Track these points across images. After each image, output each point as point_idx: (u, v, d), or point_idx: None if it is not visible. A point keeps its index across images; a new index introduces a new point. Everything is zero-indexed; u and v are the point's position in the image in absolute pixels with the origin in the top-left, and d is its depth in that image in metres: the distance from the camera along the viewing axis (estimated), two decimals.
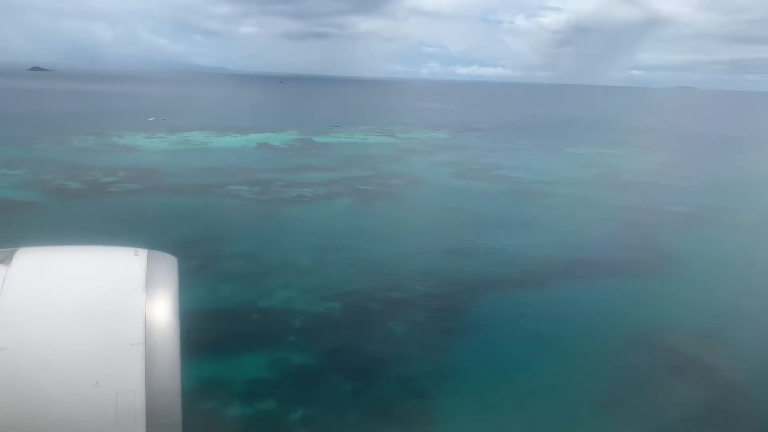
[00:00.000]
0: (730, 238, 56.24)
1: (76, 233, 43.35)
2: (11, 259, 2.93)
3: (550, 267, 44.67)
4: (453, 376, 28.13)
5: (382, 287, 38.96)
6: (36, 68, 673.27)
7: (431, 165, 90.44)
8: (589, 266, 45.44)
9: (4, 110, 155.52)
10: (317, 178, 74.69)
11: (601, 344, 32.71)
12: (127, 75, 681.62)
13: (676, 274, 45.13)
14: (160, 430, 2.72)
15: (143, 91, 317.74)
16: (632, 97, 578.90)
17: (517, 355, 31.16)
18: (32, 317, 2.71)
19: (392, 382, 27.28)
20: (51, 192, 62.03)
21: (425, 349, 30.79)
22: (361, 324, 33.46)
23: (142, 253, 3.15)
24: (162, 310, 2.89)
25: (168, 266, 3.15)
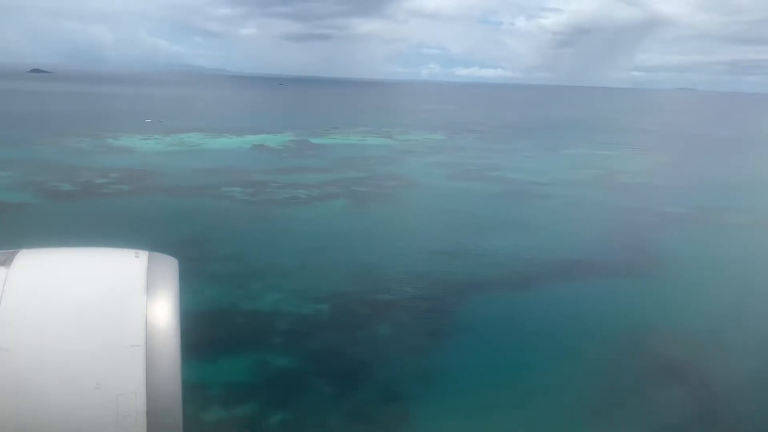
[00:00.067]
0: (724, 239, 55.93)
1: (65, 234, 43.10)
2: (12, 260, 2.92)
3: (542, 268, 44.39)
4: (436, 379, 27.85)
5: (371, 289, 38.68)
6: (36, 70, 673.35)
7: (427, 166, 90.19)
8: (582, 268, 45.15)
9: (1, 111, 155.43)
10: (311, 179, 74.45)
11: (592, 346, 32.42)
12: (128, 76, 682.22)
13: (669, 275, 44.84)
14: None
15: (142, 92, 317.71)
16: (632, 99, 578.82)
17: (505, 357, 30.87)
18: (33, 319, 2.72)
19: (374, 386, 27.00)
20: (41, 193, 61.82)
21: (410, 351, 30.51)
22: (348, 326, 33.18)
23: (143, 255, 3.14)
24: (163, 312, 2.89)
25: (169, 268, 3.15)
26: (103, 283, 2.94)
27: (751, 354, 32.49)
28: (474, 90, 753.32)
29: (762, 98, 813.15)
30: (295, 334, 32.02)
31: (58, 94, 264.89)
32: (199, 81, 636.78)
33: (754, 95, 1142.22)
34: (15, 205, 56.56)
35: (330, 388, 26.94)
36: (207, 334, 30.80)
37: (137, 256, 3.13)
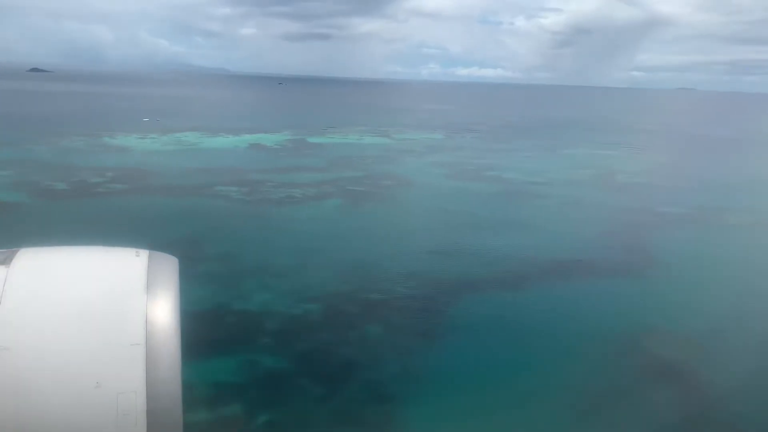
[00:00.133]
0: (723, 239, 55.58)
1: (58, 233, 42.75)
2: (12, 259, 2.93)
3: (538, 268, 44.03)
4: (425, 379, 27.50)
5: (363, 289, 38.33)
6: (35, 69, 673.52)
7: (424, 166, 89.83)
8: (579, 268, 44.79)
9: None
10: (307, 178, 74.09)
11: (587, 347, 32.07)
12: (127, 76, 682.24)
13: (667, 275, 44.50)
14: (161, 431, 2.73)
15: (141, 92, 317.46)
16: (631, 99, 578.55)
17: (497, 358, 30.53)
18: (33, 318, 2.72)
19: (362, 386, 26.67)
20: (35, 193, 61.49)
21: (400, 352, 30.17)
22: (338, 326, 32.83)
23: (143, 254, 3.14)
24: (163, 311, 2.89)
25: (169, 267, 3.14)
26: (103, 282, 2.93)
27: (749, 355, 32.12)
28: (474, 90, 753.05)
29: (762, 98, 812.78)
30: (284, 334, 31.68)
31: (56, 94, 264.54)
32: (198, 80, 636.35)
33: (754, 95, 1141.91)
34: (9, 205, 56.19)
35: (318, 388, 26.59)
36: (196, 333, 30.46)
37: (137, 255, 3.12)
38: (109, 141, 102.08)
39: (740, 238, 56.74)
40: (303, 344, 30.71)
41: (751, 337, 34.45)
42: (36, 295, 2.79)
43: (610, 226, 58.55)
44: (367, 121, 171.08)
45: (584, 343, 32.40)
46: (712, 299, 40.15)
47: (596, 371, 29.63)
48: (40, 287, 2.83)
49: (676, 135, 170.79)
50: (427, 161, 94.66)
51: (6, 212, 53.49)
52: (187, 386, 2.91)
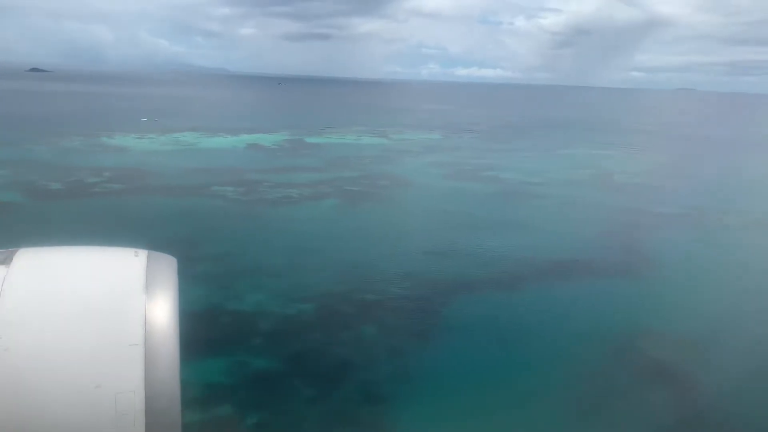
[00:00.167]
0: (718, 240, 55.55)
1: (53, 233, 42.70)
2: (11, 259, 2.93)
3: (533, 268, 43.99)
4: (418, 380, 27.45)
5: (358, 289, 38.27)
6: (35, 69, 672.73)
7: (421, 166, 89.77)
8: (575, 268, 44.74)
9: None
10: (304, 178, 74.03)
11: (582, 348, 32.02)
12: (127, 76, 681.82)
13: (662, 276, 44.45)
14: (159, 431, 2.74)
15: (140, 92, 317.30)
16: (631, 99, 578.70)
17: (488, 359, 30.49)
18: (32, 318, 2.73)
19: (354, 387, 26.63)
20: (31, 192, 61.41)
21: (393, 352, 30.13)
22: (332, 327, 32.77)
23: (142, 254, 3.14)
24: (161, 311, 2.89)
25: (168, 267, 3.14)
26: (102, 282, 2.93)
27: (745, 355, 32.04)
28: (473, 90, 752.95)
29: (761, 98, 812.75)
30: (277, 334, 31.64)
31: (55, 94, 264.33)
32: (198, 80, 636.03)
33: (753, 95, 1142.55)
34: (4, 204, 56.10)
35: (310, 389, 26.55)
36: (190, 334, 30.41)
37: (136, 255, 3.11)
38: (107, 141, 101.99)
39: (736, 238, 56.68)
40: (296, 344, 30.66)
41: (746, 338, 34.41)
42: (35, 294, 2.79)
43: (606, 226, 58.52)
44: (366, 121, 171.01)
45: (580, 344, 32.36)
46: (708, 300, 40.14)
47: (591, 372, 29.56)
48: (40, 287, 2.84)
49: (674, 135, 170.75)
50: (424, 161, 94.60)
51: (1, 212, 53.41)
52: (185, 386, 2.92)
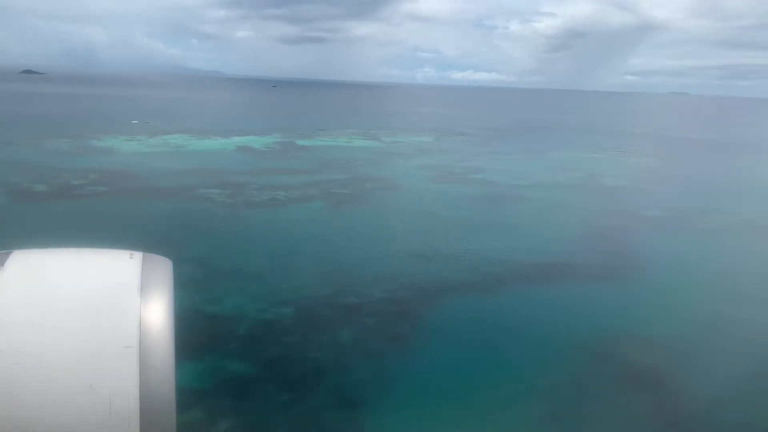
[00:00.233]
0: (703, 243, 55.54)
1: (33, 235, 42.26)
2: (6, 261, 2.94)
3: (518, 272, 43.84)
4: (394, 384, 27.20)
5: (338, 292, 38.00)
6: (28, 71, 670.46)
7: (410, 168, 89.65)
8: (558, 271, 44.59)
9: None
10: (292, 181, 73.74)
11: (562, 353, 31.76)
12: (121, 78, 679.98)
13: (647, 279, 44.28)
14: None
15: (133, 94, 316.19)
16: (624, 102, 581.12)
17: (468, 363, 30.24)
18: (27, 319, 2.73)
19: (328, 392, 26.31)
20: (13, 194, 60.88)
21: (371, 356, 29.85)
22: (310, 331, 32.48)
23: (137, 256, 3.15)
24: (156, 313, 2.91)
25: (163, 269, 3.15)
26: (97, 284, 2.94)
27: (728, 360, 31.82)
28: (468, 93, 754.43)
29: (754, 102, 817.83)
30: (254, 338, 31.32)
31: (46, 96, 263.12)
32: (192, 83, 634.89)
33: (746, 99, 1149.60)
34: None
35: (283, 394, 26.24)
36: (178, 337, 30.04)
37: (131, 257, 3.11)
38: (96, 143, 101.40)
39: (723, 241, 56.67)
40: (272, 349, 30.34)
41: (731, 343, 34.25)
42: (29, 296, 2.78)
43: (593, 229, 58.45)
44: (358, 124, 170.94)
45: (562, 349, 32.13)
46: (693, 304, 39.93)
47: (573, 377, 29.31)
48: (34, 289, 2.82)
49: (665, 139, 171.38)
50: (413, 164, 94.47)
51: None
52: (180, 388, 2.82)
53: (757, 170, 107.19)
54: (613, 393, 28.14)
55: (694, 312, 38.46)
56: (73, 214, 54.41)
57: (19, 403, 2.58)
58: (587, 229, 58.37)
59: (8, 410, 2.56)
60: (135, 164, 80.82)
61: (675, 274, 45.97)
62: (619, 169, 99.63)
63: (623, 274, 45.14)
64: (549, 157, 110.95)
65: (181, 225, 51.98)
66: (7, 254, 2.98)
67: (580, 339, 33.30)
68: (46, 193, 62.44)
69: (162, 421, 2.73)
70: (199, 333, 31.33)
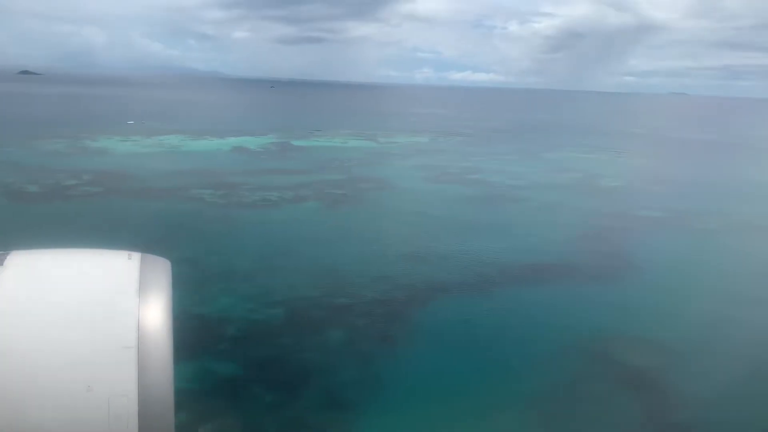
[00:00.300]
0: (699, 243, 55.30)
1: (24, 235, 41.92)
2: (4, 261, 2.94)
3: (512, 273, 43.57)
4: (382, 386, 26.92)
5: (329, 293, 37.72)
6: (25, 72, 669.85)
7: (405, 169, 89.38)
8: (551, 272, 44.30)
9: None
10: (285, 181, 73.44)
11: (555, 354, 31.47)
12: (119, 79, 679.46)
13: (641, 280, 44.05)
14: None
15: (131, 95, 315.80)
16: (623, 103, 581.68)
17: (459, 365, 29.96)
18: (25, 320, 2.73)
19: (316, 393, 26.06)
20: (7, 195, 60.50)
21: (360, 357, 29.58)
22: (300, 332, 32.20)
23: (136, 257, 3.15)
24: (155, 314, 2.90)
25: (161, 270, 3.14)
26: (95, 285, 2.94)
27: (724, 361, 31.48)
28: (466, 94, 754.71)
29: (752, 103, 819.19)
30: (243, 339, 31.08)
31: (43, 96, 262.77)
32: (191, 84, 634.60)
33: (744, 99, 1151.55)
34: None
35: (271, 395, 25.98)
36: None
37: (130, 258, 3.11)
38: (90, 143, 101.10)
39: (719, 241, 56.44)
40: (261, 350, 30.09)
41: (727, 343, 33.98)
42: (28, 297, 2.78)
43: (588, 229, 58.15)
44: (355, 124, 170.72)
45: (556, 350, 31.87)
46: (690, 304, 39.66)
47: (568, 378, 29.03)
48: (33, 290, 2.81)
49: (663, 139, 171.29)
50: (408, 164, 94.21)
51: None
52: (179, 389, 2.76)
53: (756, 171, 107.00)
54: (608, 394, 27.88)
55: (690, 312, 38.21)
56: (64, 215, 54.10)
57: (17, 404, 2.57)
58: (583, 229, 58.06)
59: (6, 411, 2.55)
60: (128, 165, 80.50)
61: (671, 275, 45.73)
62: (616, 169, 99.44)
63: (619, 274, 44.90)
64: (546, 158, 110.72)
65: (172, 225, 51.68)
66: (5, 255, 2.96)
67: (575, 340, 33.05)
68: (38, 193, 62.13)
69: (160, 422, 2.71)
70: (186, 334, 30.92)
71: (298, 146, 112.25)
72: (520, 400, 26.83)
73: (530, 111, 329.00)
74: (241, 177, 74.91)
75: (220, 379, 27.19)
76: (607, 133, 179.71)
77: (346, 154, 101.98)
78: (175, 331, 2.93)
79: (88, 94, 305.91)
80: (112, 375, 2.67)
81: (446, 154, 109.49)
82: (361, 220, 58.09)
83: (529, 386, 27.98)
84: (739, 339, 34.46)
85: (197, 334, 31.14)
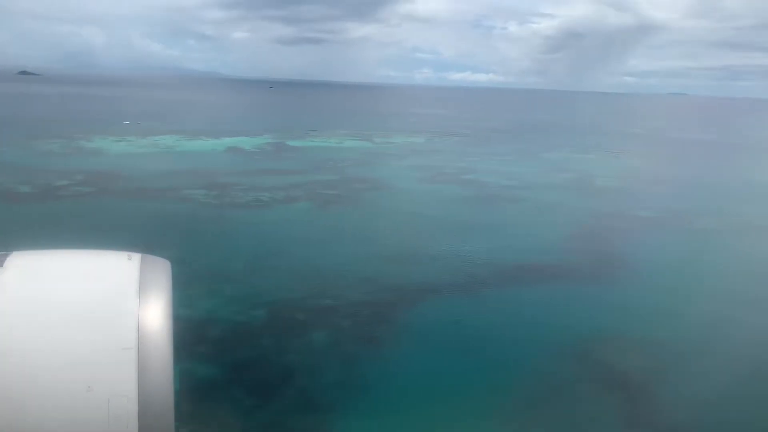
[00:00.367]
0: (697, 243, 54.84)
1: (15, 236, 41.52)
2: (4, 262, 2.94)
3: (504, 274, 43.11)
4: (364, 388, 26.48)
5: (315, 294, 37.24)
6: (24, 72, 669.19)
7: (400, 169, 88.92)
8: (546, 273, 43.80)
9: None
10: (279, 181, 72.98)
11: (546, 356, 30.98)
12: (118, 79, 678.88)
13: (636, 280, 43.61)
14: None
15: (128, 95, 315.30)
16: (622, 103, 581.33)
17: (446, 367, 29.49)
18: (25, 321, 2.73)
19: (296, 396, 25.60)
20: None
21: (343, 359, 29.14)
22: (282, 334, 31.75)
23: (136, 257, 3.14)
24: (155, 315, 2.91)
25: (161, 270, 3.15)
26: (95, 286, 2.94)
27: (717, 363, 31.03)
28: (466, 94, 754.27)
29: (752, 103, 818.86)
30: (223, 342, 30.61)
31: (40, 96, 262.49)
32: (189, 84, 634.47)
33: (745, 100, 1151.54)
34: None
35: (250, 399, 25.53)
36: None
37: (130, 259, 3.10)
38: (85, 144, 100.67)
39: (718, 242, 55.92)
40: (242, 352, 29.66)
41: (725, 343, 33.56)
42: (28, 298, 2.78)
43: (581, 229, 57.72)
44: (352, 124, 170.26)
45: (547, 352, 31.39)
46: (686, 304, 39.22)
47: (559, 379, 28.59)
48: (33, 290, 2.82)
49: (661, 139, 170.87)
50: (403, 164, 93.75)
51: None
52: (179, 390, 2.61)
53: (756, 171, 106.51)
54: (602, 395, 27.45)
55: (688, 312, 37.77)
56: (55, 215, 53.73)
57: (18, 404, 2.55)
58: (578, 229, 57.61)
59: (6, 412, 2.54)
60: (121, 165, 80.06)
61: (669, 275, 45.28)
62: (615, 169, 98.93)
63: (614, 274, 44.47)
64: (545, 158, 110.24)
65: (162, 226, 51.22)
66: (6, 255, 2.94)
67: (570, 341, 32.62)
68: (29, 194, 61.70)
69: (160, 423, 2.70)
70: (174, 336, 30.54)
71: (293, 146, 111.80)
72: (511, 403, 26.40)
73: (529, 111, 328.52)
74: (235, 177, 74.46)
75: (195, 382, 26.66)
76: (607, 133, 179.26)
77: (341, 155, 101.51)
78: (175, 331, 2.86)
79: (85, 94, 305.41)
80: (112, 375, 2.66)
81: (443, 155, 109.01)
82: (353, 221, 57.63)
83: (521, 388, 27.53)
84: (738, 339, 34.05)
85: (176, 336, 30.67)
